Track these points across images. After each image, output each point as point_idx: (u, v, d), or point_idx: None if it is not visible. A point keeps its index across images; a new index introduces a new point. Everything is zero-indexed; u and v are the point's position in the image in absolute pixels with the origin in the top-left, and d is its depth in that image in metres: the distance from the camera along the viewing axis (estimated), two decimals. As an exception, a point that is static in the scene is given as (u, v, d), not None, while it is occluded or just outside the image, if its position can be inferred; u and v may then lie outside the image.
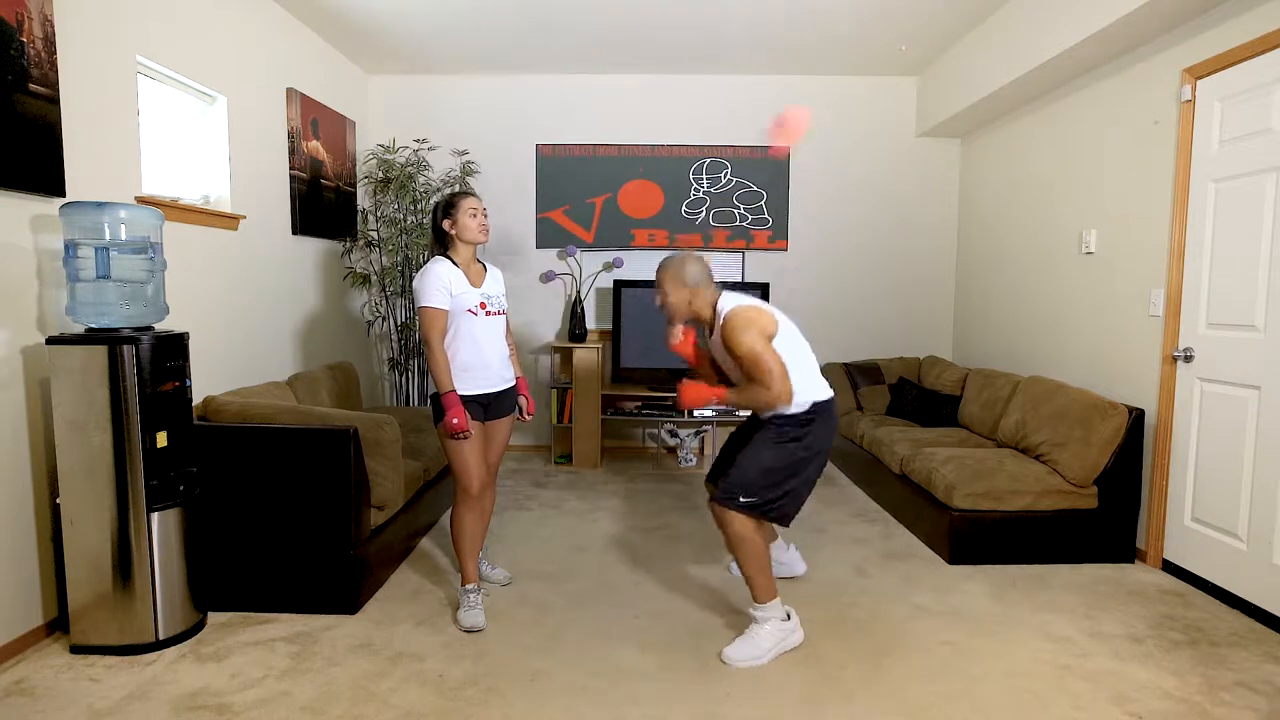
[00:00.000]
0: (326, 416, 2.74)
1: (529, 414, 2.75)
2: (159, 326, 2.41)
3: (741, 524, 2.28)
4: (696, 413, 4.62)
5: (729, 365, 2.42)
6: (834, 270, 5.03)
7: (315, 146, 4.06)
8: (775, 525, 2.55)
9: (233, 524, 2.54)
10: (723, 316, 2.31)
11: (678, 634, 2.45)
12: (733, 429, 4.84)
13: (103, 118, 2.56)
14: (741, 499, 2.28)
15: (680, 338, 2.52)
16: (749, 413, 2.65)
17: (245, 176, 3.43)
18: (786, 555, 2.85)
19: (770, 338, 2.27)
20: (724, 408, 2.49)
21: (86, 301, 2.25)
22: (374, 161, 4.62)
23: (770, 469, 2.30)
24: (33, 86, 2.23)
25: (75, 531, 2.23)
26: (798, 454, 2.31)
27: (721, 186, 4.97)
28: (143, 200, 2.72)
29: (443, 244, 2.54)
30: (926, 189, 4.98)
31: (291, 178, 3.82)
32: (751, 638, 2.30)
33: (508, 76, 4.91)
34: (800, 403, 2.32)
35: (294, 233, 3.87)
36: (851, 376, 4.67)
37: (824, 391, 2.38)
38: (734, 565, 2.92)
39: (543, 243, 5.02)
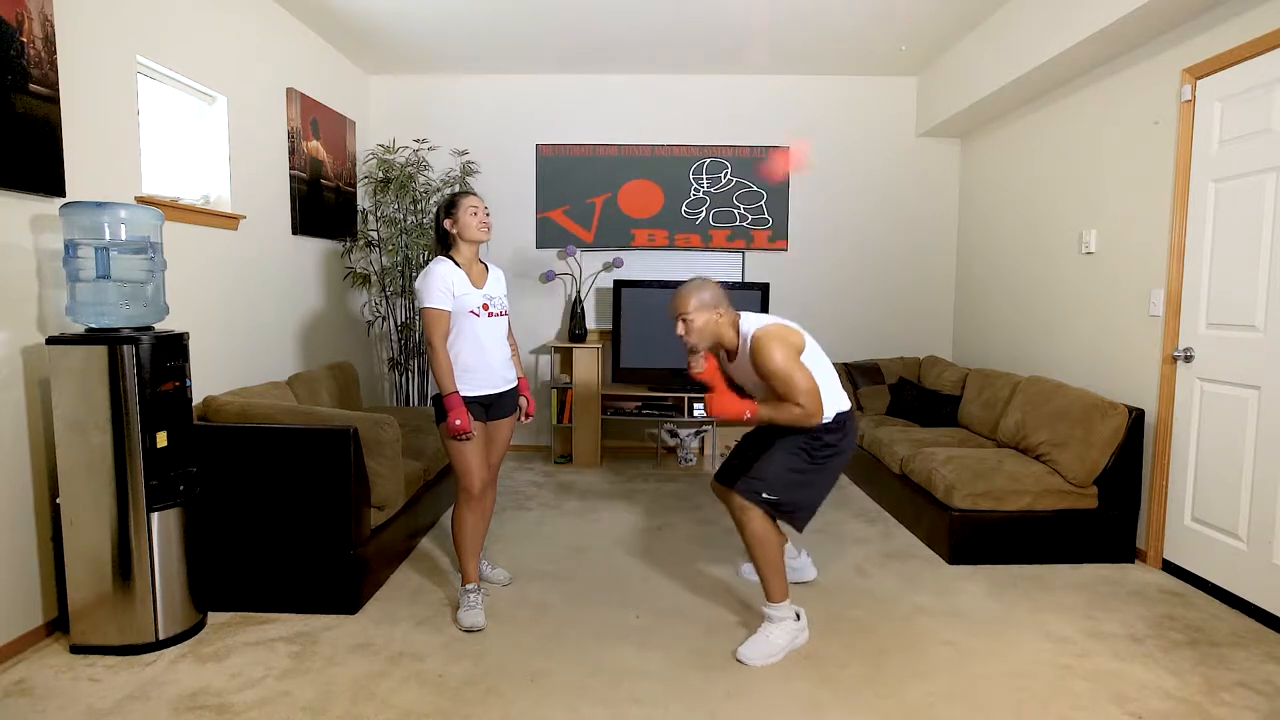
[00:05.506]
0: (326, 416, 2.74)
1: (530, 415, 2.76)
2: (159, 326, 2.41)
3: (761, 524, 2.31)
4: (697, 413, 4.62)
5: (754, 385, 2.44)
6: (834, 270, 5.02)
7: (315, 146, 4.06)
8: (789, 530, 2.56)
9: (233, 524, 2.54)
10: (749, 338, 2.33)
11: (678, 633, 2.45)
12: (734, 429, 4.89)
13: (103, 118, 2.56)
14: (764, 494, 2.31)
15: (703, 366, 2.46)
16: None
17: (245, 176, 3.43)
18: (798, 561, 2.86)
19: (800, 353, 2.31)
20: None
21: (86, 301, 2.25)
22: (374, 161, 4.61)
23: (793, 471, 2.35)
24: (33, 86, 2.23)
25: (75, 531, 2.23)
26: (820, 460, 2.37)
27: (721, 186, 4.97)
28: (143, 200, 2.72)
29: (445, 245, 2.54)
30: (926, 189, 4.98)
31: (291, 178, 3.81)
32: (765, 636, 2.32)
33: (508, 76, 4.90)
34: (826, 415, 2.36)
35: (294, 233, 3.87)
36: (851, 376, 4.67)
37: (845, 402, 2.44)
38: (743, 568, 2.93)
39: (543, 243, 5.02)
